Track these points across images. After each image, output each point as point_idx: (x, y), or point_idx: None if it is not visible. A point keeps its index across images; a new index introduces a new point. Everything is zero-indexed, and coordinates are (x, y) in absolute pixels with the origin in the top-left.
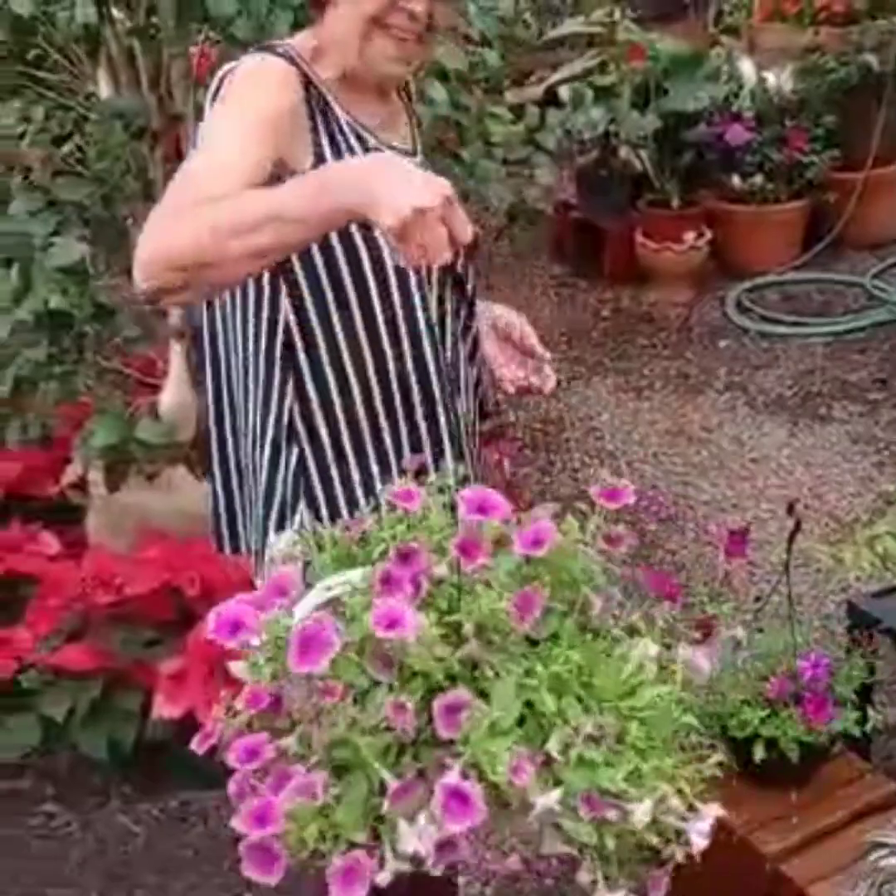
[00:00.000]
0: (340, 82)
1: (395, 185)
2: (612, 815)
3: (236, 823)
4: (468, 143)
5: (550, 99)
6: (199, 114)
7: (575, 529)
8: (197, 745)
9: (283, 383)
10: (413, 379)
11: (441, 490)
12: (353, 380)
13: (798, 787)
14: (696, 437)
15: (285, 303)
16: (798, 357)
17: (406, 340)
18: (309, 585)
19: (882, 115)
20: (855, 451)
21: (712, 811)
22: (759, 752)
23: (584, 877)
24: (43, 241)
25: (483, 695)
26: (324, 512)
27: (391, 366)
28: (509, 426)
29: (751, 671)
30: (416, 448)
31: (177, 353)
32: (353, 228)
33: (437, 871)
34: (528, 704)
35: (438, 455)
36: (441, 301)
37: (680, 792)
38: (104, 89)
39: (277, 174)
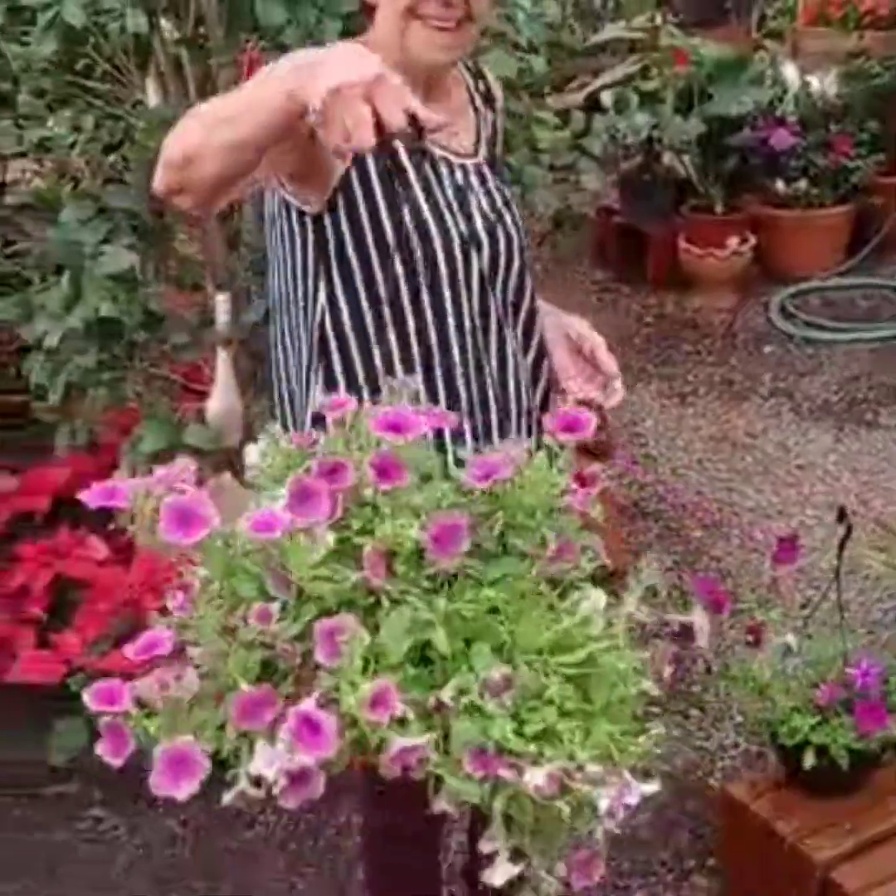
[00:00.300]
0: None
1: (326, 67)
2: (505, 773)
3: (89, 699)
4: (515, 150)
5: (592, 105)
6: None
7: (543, 467)
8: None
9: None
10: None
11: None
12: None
13: (848, 794)
14: (740, 443)
15: (322, 297)
16: (843, 363)
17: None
18: None
19: None
20: None
21: (647, 788)
22: (809, 760)
23: (485, 845)
24: (93, 249)
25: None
26: None
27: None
28: (612, 442)
29: (801, 678)
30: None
31: (224, 360)
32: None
33: (288, 804)
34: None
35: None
36: (484, 296)
37: (612, 762)
38: (152, 98)
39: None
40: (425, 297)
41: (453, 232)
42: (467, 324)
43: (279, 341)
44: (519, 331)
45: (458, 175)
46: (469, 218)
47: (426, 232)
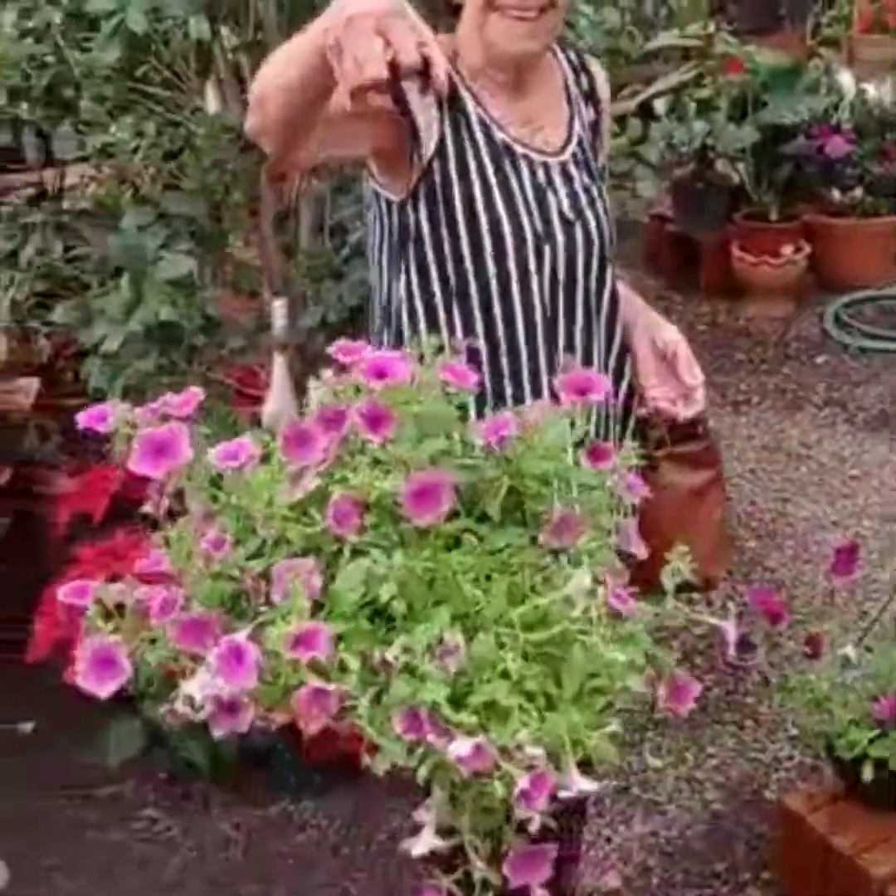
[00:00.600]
0: (476, 78)
1: (345, 4)
2: (432, 739)
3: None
4: None
5: (644, 112)
6: None
7: (562, 434)
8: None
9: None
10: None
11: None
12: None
13: None
14: (794, 454)
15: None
16: None
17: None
18: None
19: None
20: None
21: (584, 783)
22: (867, 773)
23: (420, 814)
24: (153, 254)
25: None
26: None
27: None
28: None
29: (860, 691)
30: None
31: (280, 365)
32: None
33: (216, 732)
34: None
35: None
36: (555, 295)
37: (562, 751)
38: (212, 104)
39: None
40: (495, 294)
41: (527, 230)
42: (538, 320)
43: (372, 317)
44: (599, 330)
45: (540, 174)
46: (546, 217)
47: (499, 229)
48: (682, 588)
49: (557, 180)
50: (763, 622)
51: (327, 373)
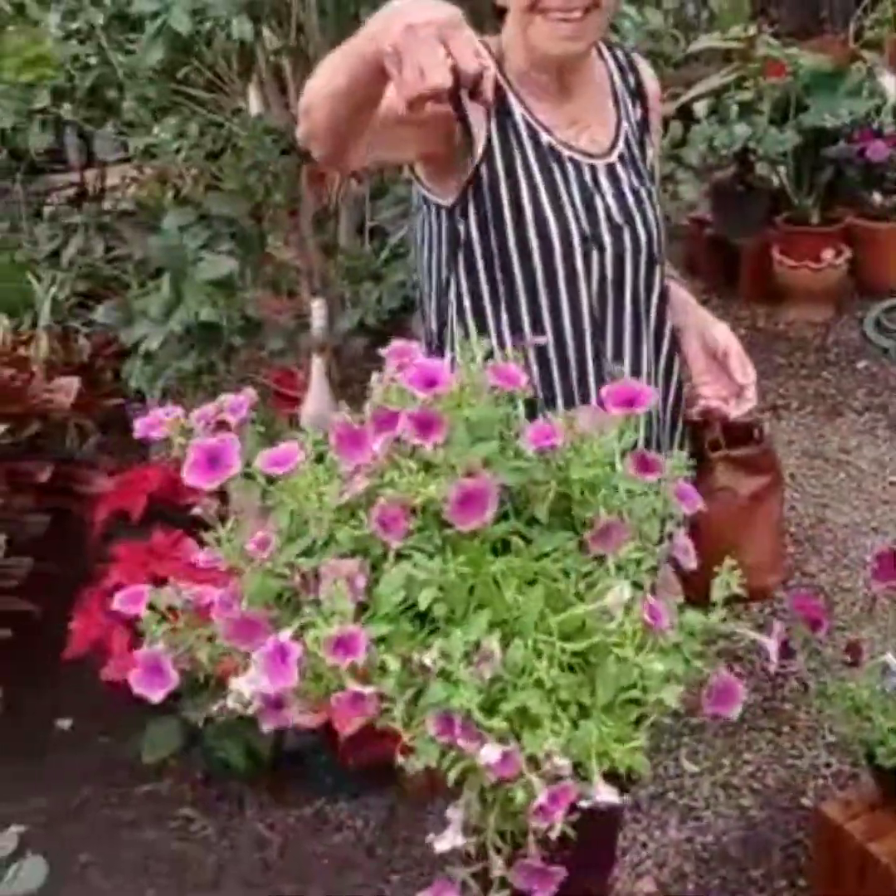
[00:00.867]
0: (521, 81)
1: (403, 9)
2: (463, 744)
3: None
4: None
5: (685, 115)
6: None
7: (611, 443)
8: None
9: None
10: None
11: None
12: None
13: None
14: (834, 459)
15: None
16: None
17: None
18: None
19: None
20: None
21: (607, 794)
22: None
23: (450, 812)
24: (193, 254)
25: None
26: None
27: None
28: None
29: None
30: None
31: (318, 366)
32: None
33: (264, 726)
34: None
35: None
36: (603, 296)
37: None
38: (254, 106)
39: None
40: (543, 296)
41: (574, 232)
42: (586, 322)
43: (423, 321)
44: (648, 330)
45: (587, 175)
46: (594, 219)
47: (546, 232)
48: (735, 598)
49: (605, 182)
50: (802, 628)
51: (385, 372)
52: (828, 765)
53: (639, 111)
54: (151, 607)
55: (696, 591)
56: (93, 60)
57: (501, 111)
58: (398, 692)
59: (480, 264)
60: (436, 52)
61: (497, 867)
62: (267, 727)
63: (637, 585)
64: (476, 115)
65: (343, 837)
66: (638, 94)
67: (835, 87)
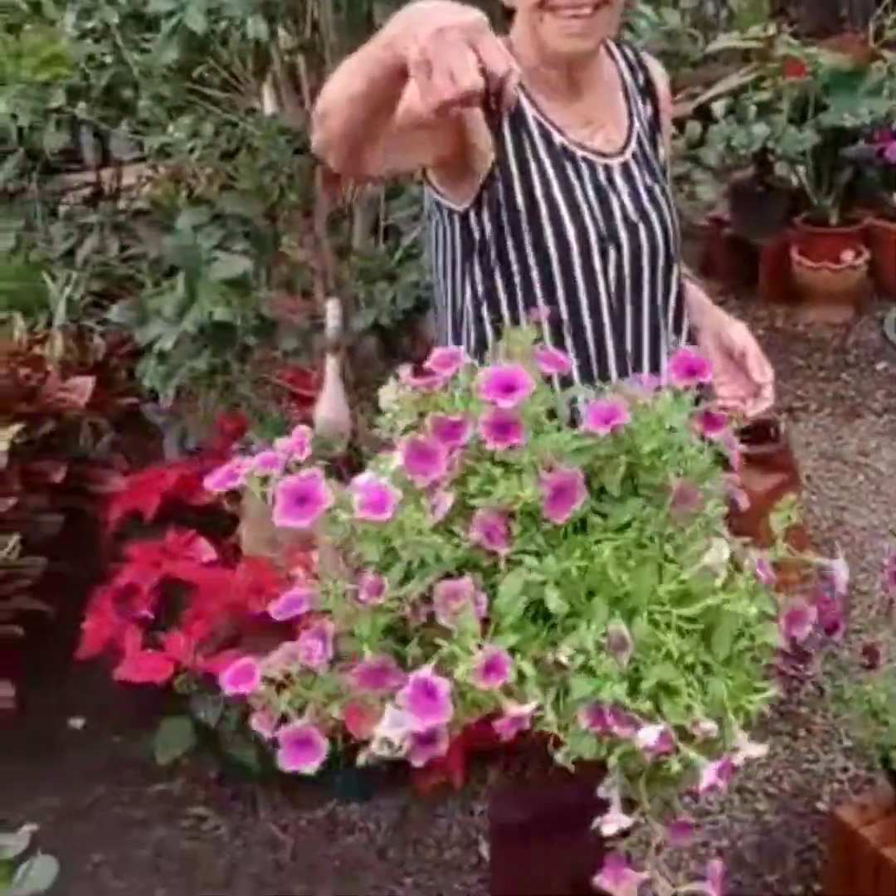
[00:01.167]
0: (532, 81)
1: (427, 13)
2: (620, 731)
3: (222, 680)
4: None
5: (703, 115)
6: None
7: (668, 407)
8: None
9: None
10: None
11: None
12: None
13: None
14: (852, 461)
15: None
16: None
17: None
18: None
19: None
20: None
21: (755, 750)
22: None
23: (602, 791)
24: (207, 254)
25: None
26: None
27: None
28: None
29: None
30: None
31: (332, 366)
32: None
33: (416, 762)
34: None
35: None
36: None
37: (728, 719)
38: (268, 105)
39: (460, 154)
40: (561, 296)
41: (591, 231)
42: (605, 322)
43: (439, 327)
44: (666, 329)
45: (601, 175)
46: (609, 218)
47: (562, 232)
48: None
49: (619, 181)
50: (819, 631)
51: (403, 374)
52: (844, 769)
53: (649, 109)
54: (267, 680)
55: None
56: (108, 59)
57: (513, 113)
58: (541, 697)
59: (497, 267)
60: (466, 56)
61: (659, 834)
62: (419, 762)
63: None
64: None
65: (355, 839)
66: (648, 92)
67: (854, 87)
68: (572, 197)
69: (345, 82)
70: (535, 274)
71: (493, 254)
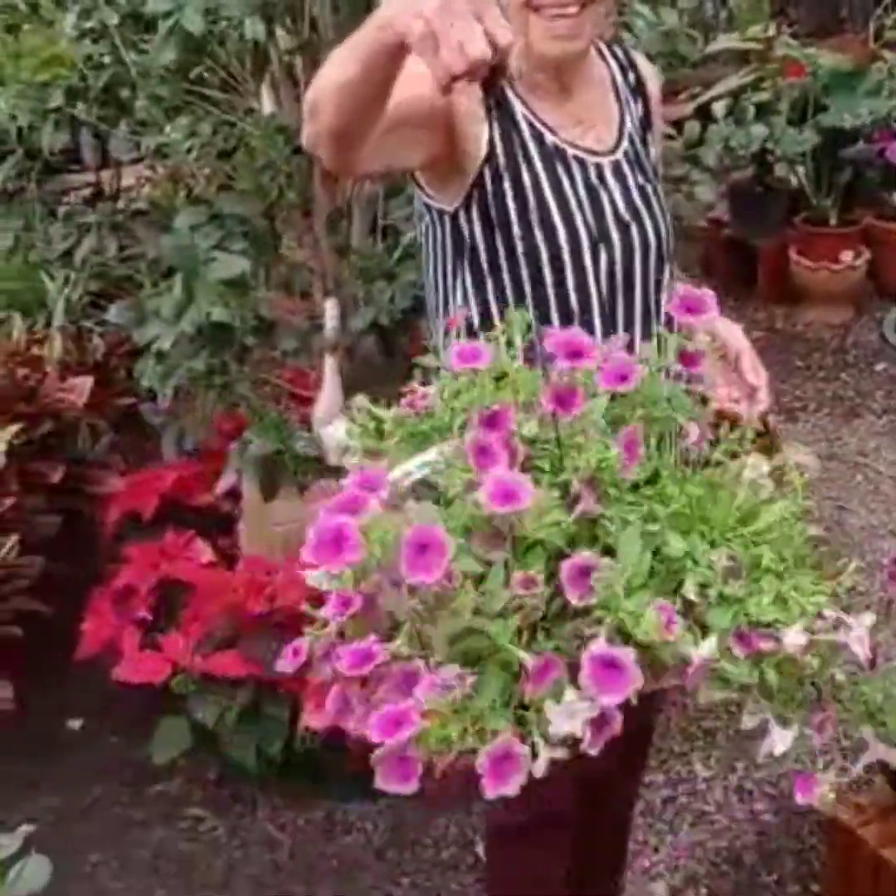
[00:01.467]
0: (522, 83)
1: None
2: (767, 646)
3: (372, 734)
4: None
5: (703, 115)
6: None
7: (655, 355)
8: (285, 665)
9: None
10: None
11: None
12: None
13: None
14: (851, 462)
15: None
16: None
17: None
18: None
19: None
20: None
21: (865, 619)
22: None
23: (749, 721)
24: (205, 254)
25: (607, 552)
26: None
27: None
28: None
29: None
30: None
31: (331, 367)
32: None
33: (593, 752)
34: (654, 552)
35: None
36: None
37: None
38: (267, 105)
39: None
40: (552, 296)
41: (582, 231)
42: (596, 321)
43: (431, 329)
44: (660, 327)
45: (592, 173)
46: (600, 217)
47: (553, 232)
48: None
49: (611, 180)
50: None
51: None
52: (843, 770)
53: (640, 108)
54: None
55: None
56: (107, 60)
57: (504, 113)
58: (692, 642)
59: (487, 267)
60: (474, 27)
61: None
62: (594, 750)
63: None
64: (479, 114)
65: (353, 840)
66: (639, 91)
67: (854, 87)
68: (563, 195)
69: (337, 70)
70: (524, 273)
71: (483, 254)
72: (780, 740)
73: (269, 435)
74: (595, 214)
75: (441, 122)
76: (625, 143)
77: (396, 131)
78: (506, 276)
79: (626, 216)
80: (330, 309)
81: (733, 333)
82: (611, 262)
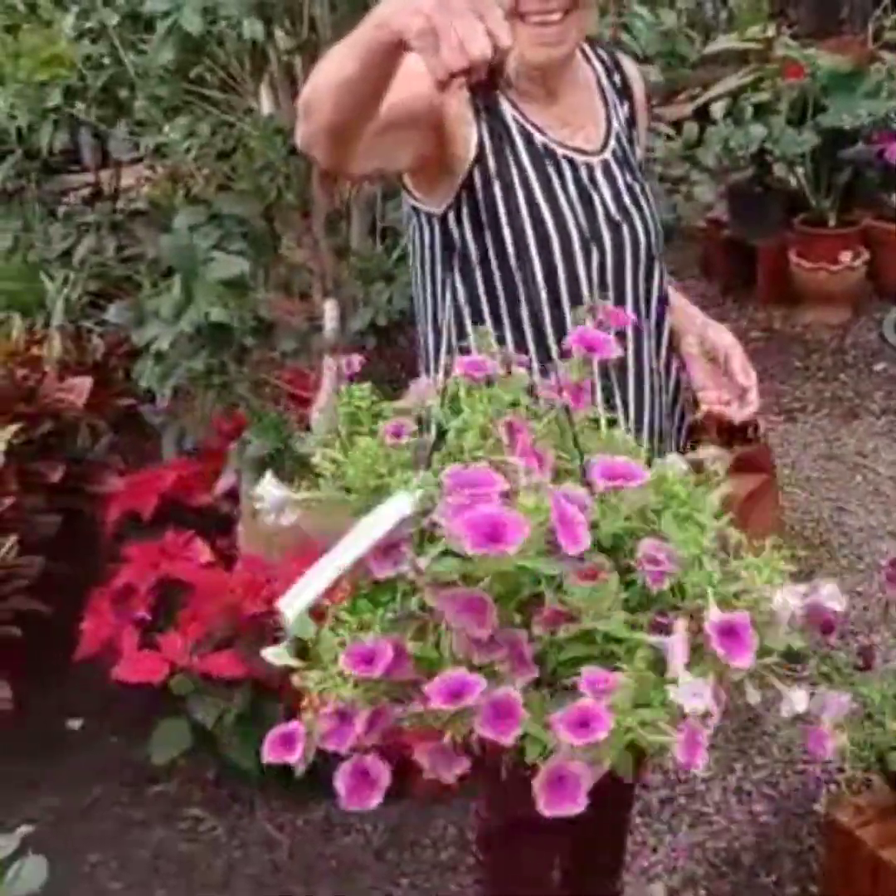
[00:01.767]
0: (511, 86)
1: None
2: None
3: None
4: None
5: (702, 116)
6: None
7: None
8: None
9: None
10: None
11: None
12: None
13: None
14: (850, 462)
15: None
16: None
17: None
18: None
19: None
20: None
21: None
22: None
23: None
24: (205, 254)
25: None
26: None
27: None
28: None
29: None
30: None
31: (330, 367)
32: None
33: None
34: None
35: None
36: (604, 296)
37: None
38: (265, 106)
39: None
40: (544, 296)
41: (573, 232)
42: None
43: (421, 333)
44: (649, 330)
45: (583, 173)
46: (592, 217)
47: (544, 232)
48: None
49: (601, 180)
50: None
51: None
52: (841, 770)
53: (626, 109)
54: None
55: None
56: (106, 60)
57: (491, 114)
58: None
59: (477, 270)
60: (475, 25)
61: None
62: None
63: None
64: (467, 116)
65: (352, 840)
66: (625, 93)
67: (853, 88)
68: (554, 196)
69: (333, 69)
70: (515, 275)
71: (473, 256)
72: (796, 700)
73: (269, 435)
74: (586, 215)
75: (432, 124)
76: (612, 143)
77: (391, 132)
78: (497, 279)
79: (617, 216)
80: (329, 310)
81: (722, 335)
82: (602, 262)
